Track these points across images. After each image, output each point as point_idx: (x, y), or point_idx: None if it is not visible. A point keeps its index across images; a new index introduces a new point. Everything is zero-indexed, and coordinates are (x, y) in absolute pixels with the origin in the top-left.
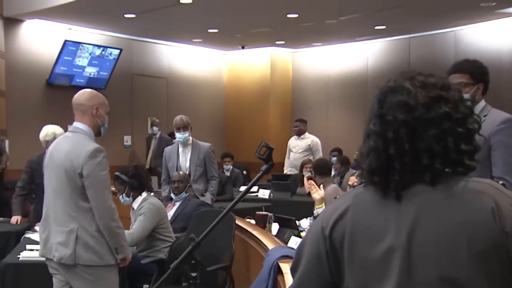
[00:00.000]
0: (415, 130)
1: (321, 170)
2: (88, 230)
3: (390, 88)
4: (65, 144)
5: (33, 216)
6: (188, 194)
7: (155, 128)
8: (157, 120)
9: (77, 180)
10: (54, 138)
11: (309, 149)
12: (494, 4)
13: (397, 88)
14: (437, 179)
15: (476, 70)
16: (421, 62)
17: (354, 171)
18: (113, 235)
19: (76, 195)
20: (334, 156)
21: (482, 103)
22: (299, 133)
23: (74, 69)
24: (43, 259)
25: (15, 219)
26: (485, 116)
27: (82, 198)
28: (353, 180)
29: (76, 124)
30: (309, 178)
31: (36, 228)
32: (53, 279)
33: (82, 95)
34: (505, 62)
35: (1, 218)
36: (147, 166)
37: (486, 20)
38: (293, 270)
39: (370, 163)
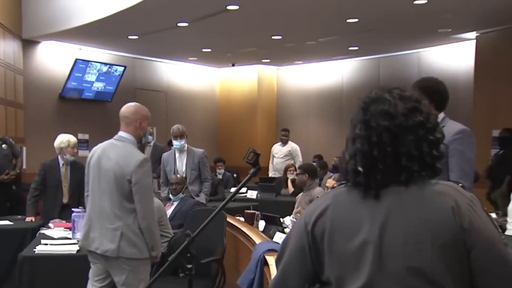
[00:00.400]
0: (396, 135)
1: (312, 173)
2: (132, 227)
3: (372, 99)
4: (114, 151)
5: (43, 215)
6: (184, 194)
7: (149, 137)
8: (151, 129)
9: (125, 185)
10: (68, 145)
11: (290, 154)
12: (450, 30)
13: (379, 98)
14: (411, 180)
15: (421, 89)
16: (389, 79)
17: (332, 174)
18: (152, 234)
19: (122, 197)
20: (315, 162)
21: (442, 115)
22: (287, 142)
23: (84, 84)
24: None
25: (29, 219)
26: (443, 126)
27: (127, 200)
28: (331, 182)
29: (122, 133)
30: (292, 180)
31: (50, 225)
32: (92, 266)
33: (128, 109)
34: (460, 80)
35: (19, 216)
36: None
37: (444, 44)
38: (277, 261)
39: (356, 163)
